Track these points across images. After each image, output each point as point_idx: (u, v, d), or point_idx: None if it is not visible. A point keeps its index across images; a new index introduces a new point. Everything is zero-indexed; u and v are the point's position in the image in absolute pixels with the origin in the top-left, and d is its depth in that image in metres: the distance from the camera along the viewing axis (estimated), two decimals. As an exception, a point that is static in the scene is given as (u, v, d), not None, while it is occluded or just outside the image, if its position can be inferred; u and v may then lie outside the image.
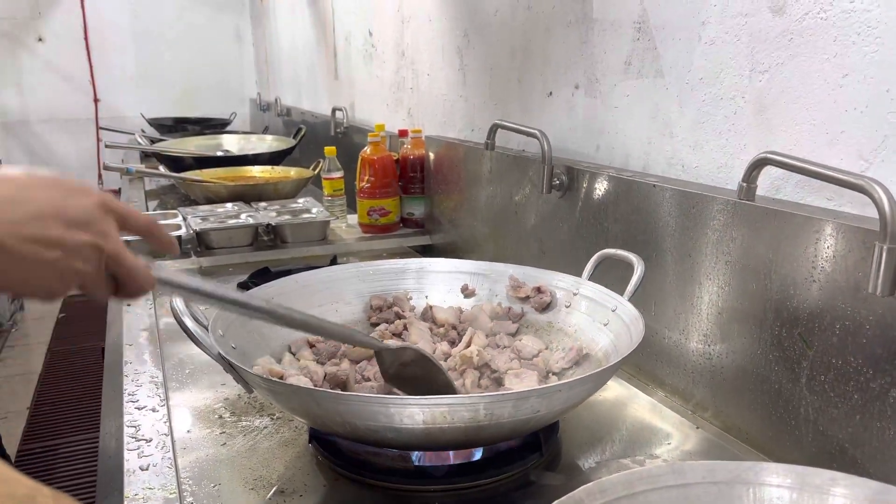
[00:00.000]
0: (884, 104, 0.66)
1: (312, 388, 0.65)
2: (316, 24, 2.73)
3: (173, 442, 0.78)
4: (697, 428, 0.82)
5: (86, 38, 4.25)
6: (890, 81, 0.66)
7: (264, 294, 0.87)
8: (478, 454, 0.73)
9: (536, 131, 1.09)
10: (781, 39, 0.76)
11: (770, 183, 0.79)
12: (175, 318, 0.71)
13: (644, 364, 0.94)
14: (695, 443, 0.80)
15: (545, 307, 0.92)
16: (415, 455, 0.72)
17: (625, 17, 0.98)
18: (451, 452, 0.72)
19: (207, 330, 0.72)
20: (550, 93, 1.18)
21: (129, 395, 0.89)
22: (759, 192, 0.76)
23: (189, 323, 0.70)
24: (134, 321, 1.13)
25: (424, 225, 1.66)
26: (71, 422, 2.57)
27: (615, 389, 0.92)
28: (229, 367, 0.68)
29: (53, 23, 4.19)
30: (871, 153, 0.68)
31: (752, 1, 0.79)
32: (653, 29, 0.94)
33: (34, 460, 2.34)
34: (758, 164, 0.73)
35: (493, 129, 1.26)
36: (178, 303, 0.72)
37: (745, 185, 0.75)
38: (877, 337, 0.63)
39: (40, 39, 4.17)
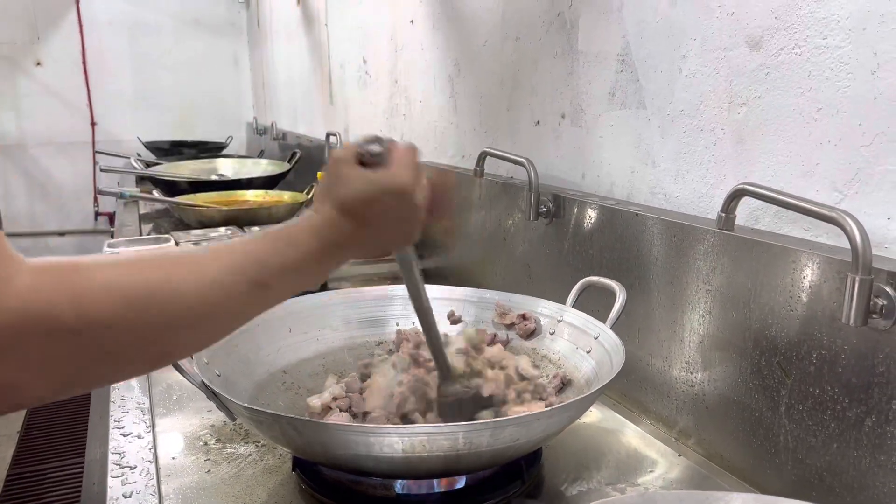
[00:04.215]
0: (856, 138, 0.68)
1: (293, 416, 0.65)
2: (312, 50, 2.76)
3: (158, 469, 0.78)
4: (680, 455, 0.83)
5: (84, 63, 4.29)
6: (861, 116, 0.67)
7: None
8: (461, 482, 0.73)
9: (524, 159, 1.10)
10: (758, 73, 0.78)
11: (749, 213, 0.80)
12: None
13: (629, 391, 0.94)
14: (678, 471, 0.80)
15: (530, 334, 0.92)
16: (398, 484, 0.72)
17: (609, 50, 1.00)
18: (434, 481, 0.72)
19: (192, 358, 0.73)
20: (538, 122, 1.20)
21: (115, 421, 0.89)
22: (738, 221, 0.77)
23: (173, 350, 0.71)
24: (123, 346, 1.13)
25: (416, 250, 1.67)
26: (60, 447, 2.55)
27: (600, 416, 0.93)
28: (212, 395, 0.69)
29: (52, 47, 4.22)
30: (845, 185, 0.70)
31: (730, 36, 0.81)
32: (635, 61, 0.96)
33: (23, 485, 2.32)
34: (736, 195, 0.75)
35: (483, 157, 1.28)
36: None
37: (723, 215, 0.76)
38: (852, 366, 0.64)
39: (38, 64, 4.21)
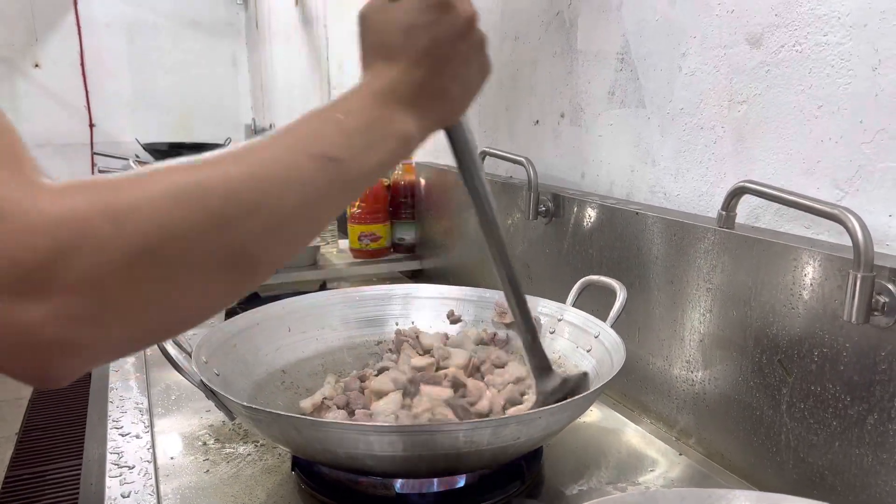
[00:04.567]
0: (857, 134, 0.68)
1: (292, 415, 0.65)
2: (310, 51, 2.76)
3: (156, 469, 0.78)
4: (681, 454, 0.83)
5: (82, 64, 4.28)
6: (863, 112, 0.67)
7: (249, 319, 0.87)
8: (461, 482, 0.73)
9: (523, 158, 1.10)
10: (759, 71, 0.77)
11: (750, 211, 0.80)
12: (157, 345, 0.72)
13: (629, 390, 0.94)
14: (679, 470, 0.80)
15: (530, 333, 0.92)
16: (398, 483, 0.72)
17: (608, 49, 1.00)
18: (434, 480, 0.72)
19: (190, 356, 0.72)
20: (537, 121, 1.20)
21: (114, 421, 0.89)
22: (739, 220, 0.77)
23: (171, 350, 0.71)
24: (121, 347, 1.13)
25: (415, 250, 1.67)
26: (59, 448, 2.54)
27: (600, 416, 0.92)
28: (211, 395, 0.68)
29: (50, 49, 4.22)
30: (846, 182, 0.69)
31: (730, 33, 0.81)
32: (635, 60, 0.95)
33: (22, 486, 2.31)
34: (736, 193, 0.74)
35: (482, 156, 1.28)
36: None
37: (724, 213, 0.76)
38: (853, 364, 0.64)
39: (37, 65, 4.20)
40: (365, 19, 0.54)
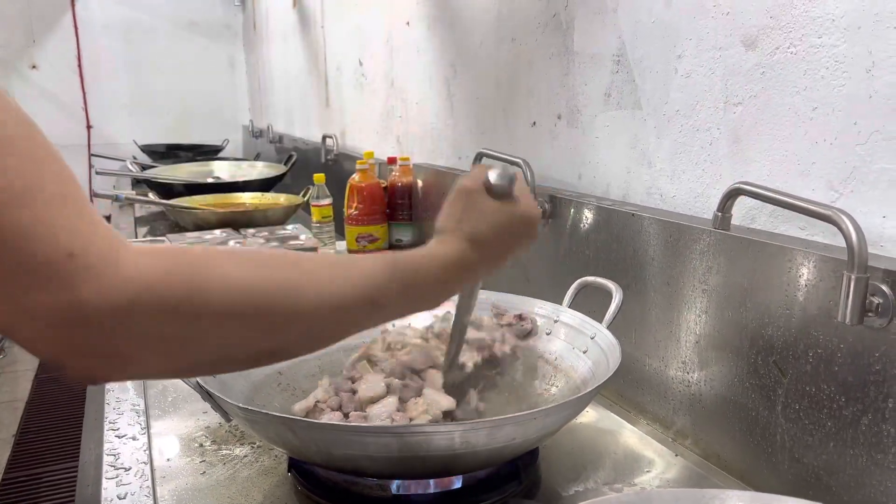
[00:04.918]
0: (852, 136, 0.68)
1: (288, 416, 0.65)
2: (308, 53, 2.76)
3: (153, 471, 0.78)
4: (677, 455, 0.83)
5: (79, 66, 4.28)
6: (857, 114, 0.67)
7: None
8: (458, 483, 0.73)
9: (520, 160, 1.10)
10: (754, 73, 0.78)
11: (745, 212, 0.80)
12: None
13: (626, 391, 0.94)
14: (675, 471, 0.80)
15: (527, 334, 0.92)
16: (394, 484, 0.72)
17: (604, 51, 1.00)
18: (431, 481, 0.72)
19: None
20: (534, 123, 1.20)
21: (111, 423, 0.89)
22: (734, 221, 0.77)
23: (168, 351, 0.70)
24: (118, 348, 1.13)
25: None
26: (55, 450, 2.54)
27: (597, 417, 0.93)
28: (207, 396, 0.68)
29: (47, 50, 4.22)
30: (841, 184, 0.70)
31: (725, 35, 0.81)
32: (631, 62, 0.96)
33: (18, 489, 2.31)
34: (731, 195, 0.74)
35: (479, 157, 1.28)
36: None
37: (719, 214, 0.76)
38: (848, 365, 0.64)
39: (34, 67, 4.20)
40: (469, 195, 0.62)
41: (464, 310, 0.76)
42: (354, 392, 0.77)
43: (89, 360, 0.42)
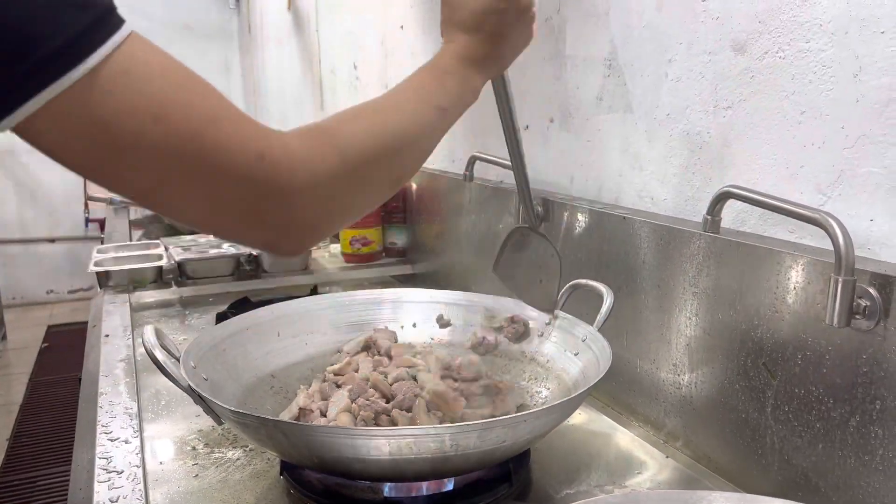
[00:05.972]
0: (839, 140, 0.69)
1: (279, 419, 0.65)
2: (303, 56, 2.76)
3: (145, 474, 0.78)
4: (668, 457, 0.83)
5: (75, 69, 4.26)
6: (844, 118, 0.68)
7: (239, 324, 0.87)
8: (449, 485, 0.73)
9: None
10: (743, 77, 0.78)
11: (735, 215, 0.81)
12: (146, 350, 0.72)
13: (617, 394, 0.94)
14: (667, 473, 0.80)
15: (519, 337, 0.93)
16: (386, 487, 0.72)
17: (596, 54, 1.01)
18: (423, 484, 0.72)
19: (179, 362, 0.72)
20: (526, 126, 1.20)
21: (103, 426, 0.89)
22: (724, 224, 0.78)
23: (160, 355, 0.71)
24: (111, 352, 1.13)
25: (406, 254, 1.68)
26: (49, 453, 2.54)
27: (588, 419, 0.93)
28: (199, 400, 0.69)
29: (42, 53, 4.20)
30: (829, 187, 0.70)
31: (715, 40, 0.81)
32: (622, 66, 0.96)
33: (11, 492, 2.30)
34: (721, 198, 0.75)
35: (472, 161, 1.29)
36: (149, 335, 0.72)
37: (709, 218, 0.77)
38: (836, 367, 0.64)
39: (29, 69, 4.19)
40: None
41: (504, 101, 0.82)
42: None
43: (294, 235, 0.53)
